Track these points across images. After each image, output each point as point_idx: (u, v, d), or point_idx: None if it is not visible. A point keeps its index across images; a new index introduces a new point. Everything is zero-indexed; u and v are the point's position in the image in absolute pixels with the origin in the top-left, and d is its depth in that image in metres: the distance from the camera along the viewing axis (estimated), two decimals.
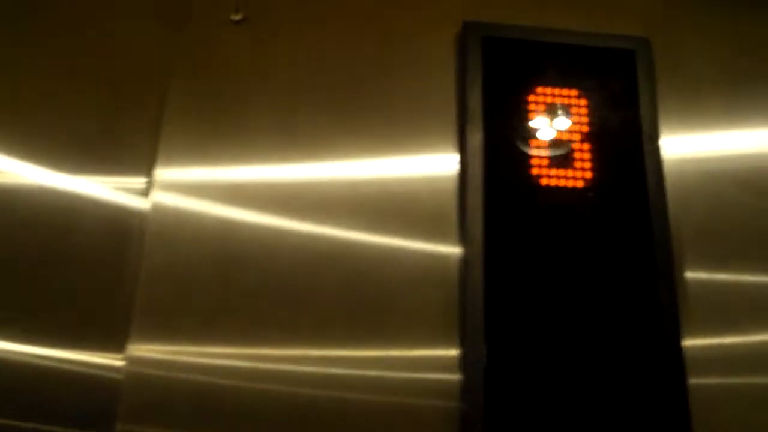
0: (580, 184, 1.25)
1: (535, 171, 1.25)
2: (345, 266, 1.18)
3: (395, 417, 1.11)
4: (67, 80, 1.26)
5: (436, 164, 1.26)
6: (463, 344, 1.14)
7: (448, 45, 1.33)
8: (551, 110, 1.29)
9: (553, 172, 1.25)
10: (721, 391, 1.16)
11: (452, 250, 1.20)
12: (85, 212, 1.19)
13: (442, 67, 1.32)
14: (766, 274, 1.24)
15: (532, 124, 1.28)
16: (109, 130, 1.23)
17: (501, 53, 1.32)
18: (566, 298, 1.19)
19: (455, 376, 1.13)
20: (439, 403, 1.12)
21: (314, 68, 1.29)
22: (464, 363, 1.13)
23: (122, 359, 1.11)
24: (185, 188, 1.20)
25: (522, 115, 1.28)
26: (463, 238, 1.20)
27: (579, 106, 1.30)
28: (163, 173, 1.21)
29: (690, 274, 1.22)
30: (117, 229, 1.18)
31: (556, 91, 1.31)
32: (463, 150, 1.26)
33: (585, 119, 1.29)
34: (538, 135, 1.27)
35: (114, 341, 1.12)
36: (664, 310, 1.18)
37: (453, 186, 1.24)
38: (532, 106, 1.29)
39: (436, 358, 1.14)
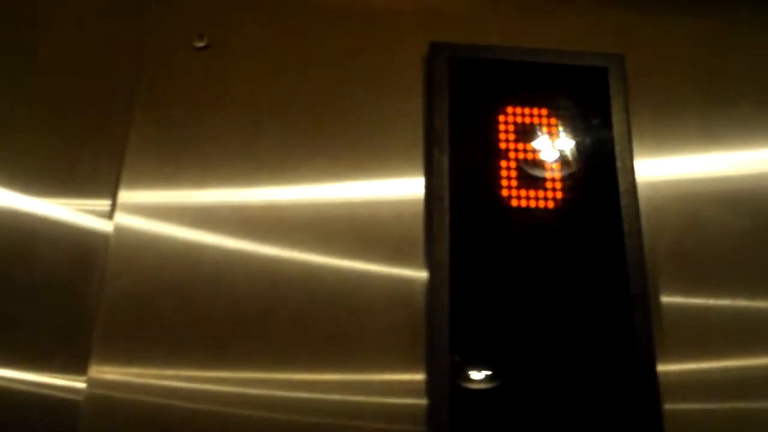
0: (550, 205, 1.22)
1: (504, 192, 1.22)
2: (310, 290, 1.16)
3: None
4: (27, 102, 1.26)
5: (402, 187, 1.24)
6: (428, 369, 1.12)
7: (416, 67, 1.31)
8: (521, 130, 1.27)
9: (523, 193, 1.22)
10: (697, 416, 1.12)
11: (418, 274, 1.18)
12: (47, 234, 1.18)
13: (409, 89, 1.30)
14: (742, 297, 1.20)
15: (501, 144, 1.25)
16: (72, 153, 1.23)
17: (468, 74, 1.30)
18: (536, 323, 1.15)
19: (421, 401, 1.11)
20: (405, 427, 1.10)
21: (278, 93, 1.28)
22: (429, 387, 1.11)
23: (84, 381, 1.10)
24: (149, 211, 1.19)
25: (491, 135, 1.26)
26: (429, 262, 1.17)
27: (550, 126, 1.27)
28: (127, 196, 1.20)
29: (665, 298, 1.19)
30: (80, 250, 1.17)
31: (527, 110, 1.28)
32: (429, 172, 1.23)
33: (556, 139, 1.27)
34: (508, 156, 1.25)
35: (75, 363, 1.10)
36: (637, 334, 1.14)
37: (419, 209, 1.21)
38: (501, 127, 1.27)
39: (401, 383, 1.12)
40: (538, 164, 1.24)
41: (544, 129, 1.27)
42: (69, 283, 1.15)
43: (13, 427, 1.09)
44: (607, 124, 1.28)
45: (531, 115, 1.28)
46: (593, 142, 1.27)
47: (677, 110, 1.32)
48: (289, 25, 1.34)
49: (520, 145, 1.25)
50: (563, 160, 1.25)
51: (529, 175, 1.24)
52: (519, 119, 1.27)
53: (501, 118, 1.27)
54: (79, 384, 1.10)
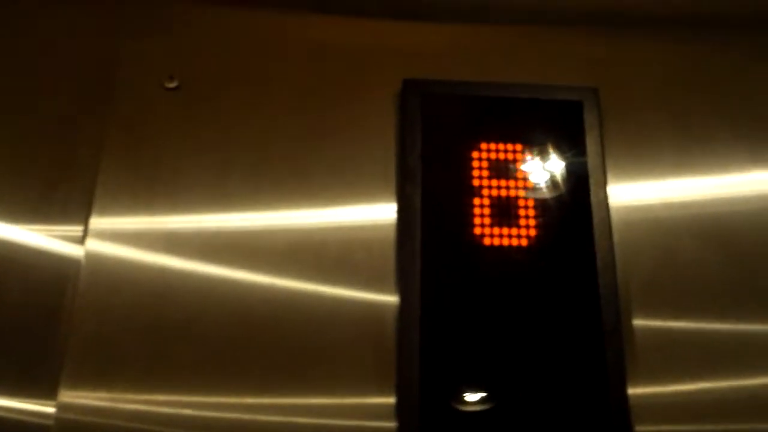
0: (524, 242, 1.22)
1: (477, 231, 1.22)
2: (281, 315, 1.17)
3: None
4: None
5: (374, 213, 1.25)
6: (398, 392, 1.13)
7: (389, 103, 1.31)
8: (494, 167, 1.26)
9: (496, 231, 1.22)
10: None
11: (389, 298, 1.19)
12: (18, 259, 1.19)
13: (382, 125, 1.30)
14: (715, 320, 1.20)
15: (474, 182, 1.25)
16: (44, 179, 1.24)
17: (442, 109, 1.30)
18: (507, 356, 1.15)
19: (391, 424, 1.12)
20: None
21: (249, 133, 1.29)
22: (399, 411, 1.12)
23: (54, 405, 1.10)
24: (120, 237, 1.20)
25: (464, 172, 1.25)
26: (401, 293, 1.18)
27: (524, 161, 1.27)
28: (98, 222, 1.21)
29: (638, 322, 1.19)
30: (51, 275, 1.18)
31: (500, 146, 1.28)
32: (401, 209, 1.23)
33: (530, 174, 1.26)
34: (481, 193, 1.24)
35: (45, 387, 1.11)
36: (609, 368, 1.14)
37: (391, 235, 1.22)
38: (474, 163, 1.26)
39: (371, 406, 1.13)
40: (512, 201, 1.24)
41: (519, 165, 1.27)
42: (40, 308, 1.16)
43: None
44: (582, 158, 1.28)
45: (505, 151, 1.27)
46: (568, 177, 1.27)
47: (652, 143, 1.32)
48: (261, 65, 1.34)
49: (494, 182, 1.25)
50: (537, 197, 1.25)
51: (503, 212, 1.23)
52: (493, 155, 1.27)
53: (474, 154, 1.27)
54: (49, 408, 1.10)
